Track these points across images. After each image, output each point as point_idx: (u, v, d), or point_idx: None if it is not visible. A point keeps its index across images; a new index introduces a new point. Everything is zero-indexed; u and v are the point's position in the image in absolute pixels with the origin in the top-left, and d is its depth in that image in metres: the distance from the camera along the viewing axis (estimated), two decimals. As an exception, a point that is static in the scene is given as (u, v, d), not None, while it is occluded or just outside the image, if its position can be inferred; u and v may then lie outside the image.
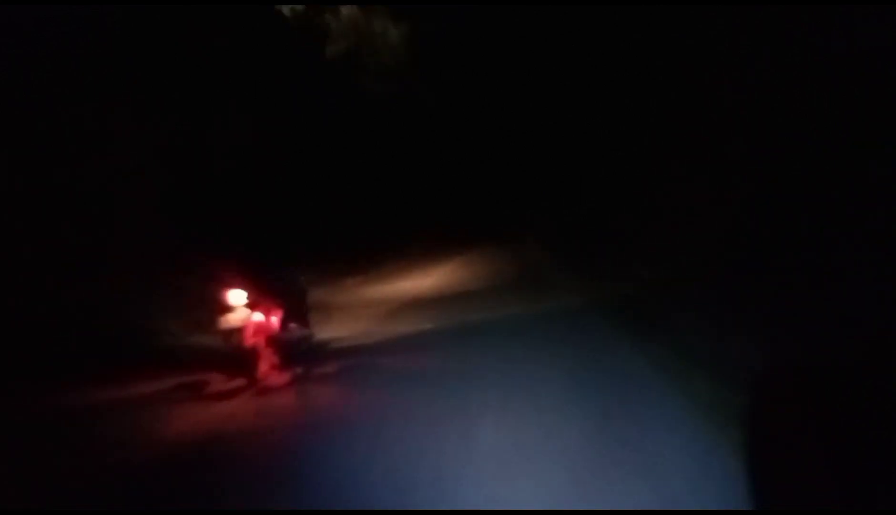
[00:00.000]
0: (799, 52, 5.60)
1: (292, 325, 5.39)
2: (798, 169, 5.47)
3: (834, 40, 5.14)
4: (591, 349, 5.09)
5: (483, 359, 5.06)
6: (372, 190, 12.76)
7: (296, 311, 5.44)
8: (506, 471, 3.07)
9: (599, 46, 10.33)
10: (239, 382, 4.83)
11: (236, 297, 4.70)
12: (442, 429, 3.59)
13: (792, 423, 3.22)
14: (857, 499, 2.66)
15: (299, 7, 13.24)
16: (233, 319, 4.70)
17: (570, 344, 5.30)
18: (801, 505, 2.77)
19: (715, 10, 6.99)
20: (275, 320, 5.08)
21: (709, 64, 7.42)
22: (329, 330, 6.44)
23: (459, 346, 5.62)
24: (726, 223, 6.52)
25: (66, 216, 6.62)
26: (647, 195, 8.94)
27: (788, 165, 5.72)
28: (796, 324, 4.39)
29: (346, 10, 14.21)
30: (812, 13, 5.34)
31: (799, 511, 2.77)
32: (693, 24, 7.59)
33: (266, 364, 4.96)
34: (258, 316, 4.84)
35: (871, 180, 4.58)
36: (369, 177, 12.97)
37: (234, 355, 4.81)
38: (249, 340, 4.74)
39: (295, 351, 5.31)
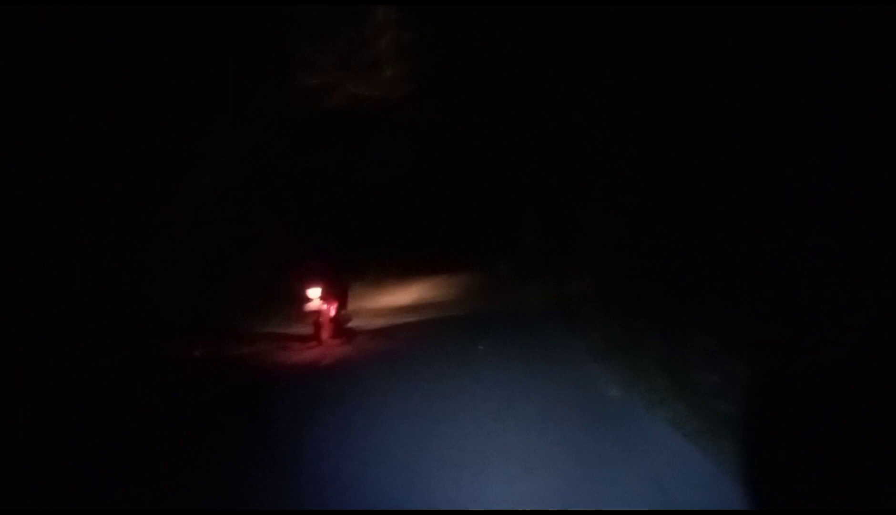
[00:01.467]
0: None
1: (342, 312, 9.11)
2: (798, 170, 5.55)
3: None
4: (537, 330, 8.49)
5: (458, 329, 8.79)
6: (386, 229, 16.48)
7: (343, 303, 9.17)
8: (470, 367, 6.57)
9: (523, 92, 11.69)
10: (313, 342, 8.50)
11: (314, 293, 8.40)
12: (429, 356, 7.29)
13: (791, 423, 3.24)
14: (857, 499, 2.66)
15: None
16: (312, 306, 8.40)
17: (523, 324, 8.81)
18: (801, 505, 2.75)
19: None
20: (332, 308, 8.78)
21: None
22: (359, 318, 10.18)
23: (442, 325, 9.36)
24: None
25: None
26: (579, 229, 12.46)
27: (788, 168, 5.77)
28: (796, 324, 4.52)
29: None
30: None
31: (799, 511, 2.74)
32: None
33: (327, 332, 8.63)
34: (325, 305, 8.54)
35: (871, 181, 4.67)
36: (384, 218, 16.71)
37: (304, 331, 8.55)
38: (320, 318, 8.45)
39: (342, 326, 9.02)
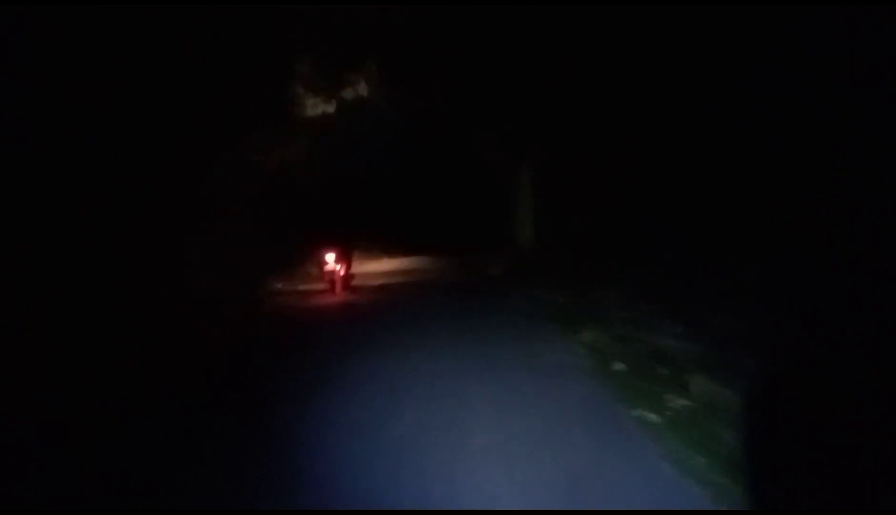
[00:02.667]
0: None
1: (349, 272, 12.73)
2: (797, 170, 5.54)
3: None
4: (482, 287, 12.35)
5: (430, 287, 12.46)
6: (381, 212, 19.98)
7: (350, 266, 12.80)
8: (433, 306, 10.34)
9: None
10: (328, 294, 12.08)
11: (330, 257, 11.96)
12: (406, 299, 10.94)
13: (791, 423, 3.29)
14: (857, 499, 2.73)
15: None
16: (328, 267, 11.98)
17: (477, 286, 12.64)
18: (800, 505, 2.81)
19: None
20: (343, 269, 12.36)
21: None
22: (360, 278, 13.77)
23: (419, 285, 13.02)
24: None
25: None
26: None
27: (788, 166, 5.79)
28: (796, 324, 4.60)
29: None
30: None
31: (799, 511, 2.80)
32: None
33: (339, 287, 12.22)
34: (337, 266, 12.11)
35: (870, 181, 4.62)
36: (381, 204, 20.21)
37: (321, 287, 12.16)
38: (334, 276, 12.05)
39: (349, 282, 12.64)
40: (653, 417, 4.44)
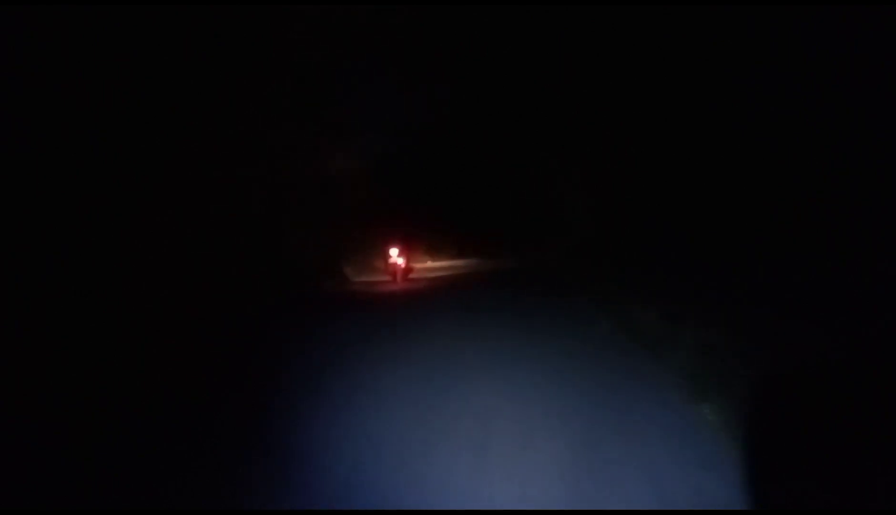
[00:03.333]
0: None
1: (408, 264, 14.67)
2: (797, 171, 5.50)
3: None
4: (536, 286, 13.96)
5: (488, 282, 14.25)
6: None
7: (409, 260, 14.74)
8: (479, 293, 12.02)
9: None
10: (392, 283, 14.00)
11: (394, 252, 13.93)
12: (456, 288, 12.74)
13: (791, 423, 3.25)
14: (856, 499, 2.70)
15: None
16: (392, 260, 13.95)
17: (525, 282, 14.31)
18: (800, 505, 2.78)
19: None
20: (403, 262, 14.29)
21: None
22: (417, 271, 15.67)
23: (465, 276, 14.83)
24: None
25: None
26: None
27: (790, 166, 5.78)
28: (796, 324, 4.63)
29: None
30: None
31: (799, 511, 2.77)
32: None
33: (400, 276, 14.15)
34: (399, 260, 14.05)
35: (870, 182, 4.65)
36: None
37: (383, 278, 14.13)
38: (396, 268, 13.99)
39: (408, 274, 14.56)
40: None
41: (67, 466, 3.92)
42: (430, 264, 19.01)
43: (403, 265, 14.28)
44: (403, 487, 3.39)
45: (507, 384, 4.97)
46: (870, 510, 2.69)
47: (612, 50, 11.28)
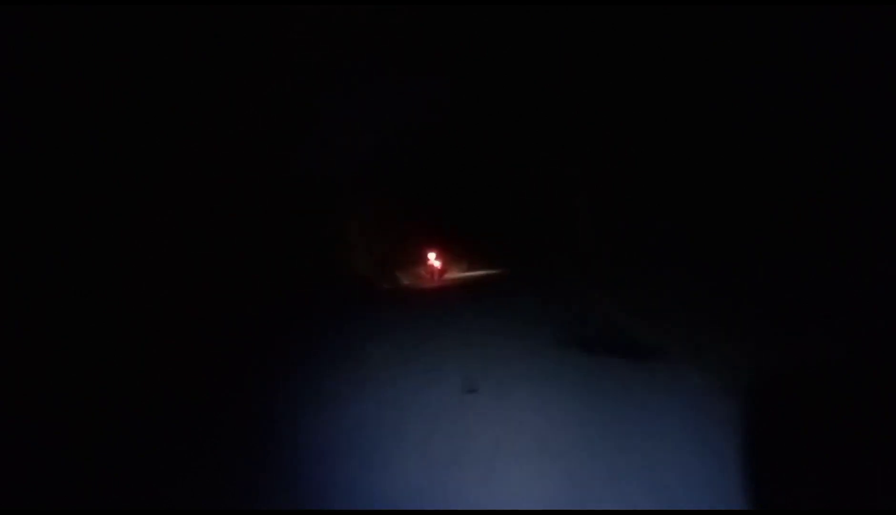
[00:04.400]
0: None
1: (444, 267, 17.76)
2: (797, 171, 5.63)
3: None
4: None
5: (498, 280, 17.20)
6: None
7: (444, 264, 17.83)
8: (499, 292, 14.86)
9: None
10: (430, 282, 17.06)
11: (431, 257, 17.07)
12: (483, 288, 15.68)
13: (791, 423, 3.27)
14: (856, 499, 2.73)
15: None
16: (430, 263, 17.09)
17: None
18: (800, 505, 2.81)
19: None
20: (440, 265, 17.37)
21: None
22: (450, 273, 18.69)
23: (491, 279, 17.80)
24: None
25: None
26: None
27: (787, 167, 5.87)
28: (796, 324, 4.70)
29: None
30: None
31: (799, 511, 2.81)
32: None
33: (437, 277, 17.22)
34: (437, 263, 17.16)
35: (870, 183, 4.74)
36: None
37: (425, 276, 17.23)
38: (434, 269, 17.07)
39: (443, 275, 17.63)
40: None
41: (69, 466, 3.93)
42: (460, 272, 22.13)
43: (440, 268, 17.34)
44: (404, 487, 3.49)
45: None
46: (870, 510, 2.66)
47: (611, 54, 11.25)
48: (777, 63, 6.58)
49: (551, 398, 4.81)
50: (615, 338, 6.74)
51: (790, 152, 6.11)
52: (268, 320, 9.12)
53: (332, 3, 10.97)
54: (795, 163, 5.99)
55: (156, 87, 8.32)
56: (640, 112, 10.68)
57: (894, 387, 3.09)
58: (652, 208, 9.96)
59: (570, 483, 3.39)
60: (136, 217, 8.16)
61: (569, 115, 14.13)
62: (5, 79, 6.61)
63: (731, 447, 3.32)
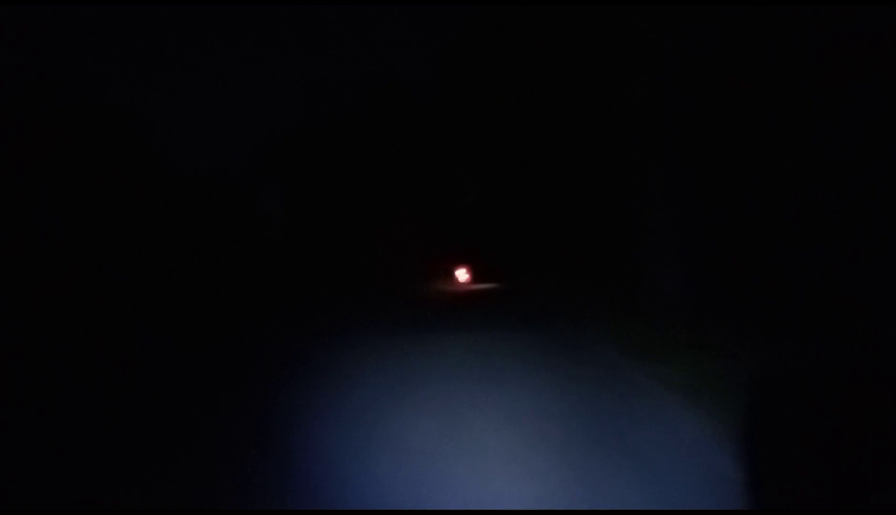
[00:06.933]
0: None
1: (469, 280, 22.11)
2: (801, 171, 5.55)
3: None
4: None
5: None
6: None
7: (471, 276, 22.21)
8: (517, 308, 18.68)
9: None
10: (459, 292, 21.24)
11: (462, 271, 21.38)
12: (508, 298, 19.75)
13: (792, 423, 3.23)
14: (856, 499, 2.70)
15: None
16: (459, 277, 21.42)
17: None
18: (800, 505, 2.81)
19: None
20: (468, 278, 21.69)
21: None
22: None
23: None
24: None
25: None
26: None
27: (787, 167, 5.84)
28: (796, 325, 4.67)
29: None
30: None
31: (799, 511, 2.80)
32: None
33: (464, 289, 21.49)
34: (465, 276, 21.49)
35: (870, 184, 4.68)
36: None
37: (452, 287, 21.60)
38: (461, 282, 21.41)
39: (468, 287, 21.92)
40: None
41: (69, 466, 3.97)
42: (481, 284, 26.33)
43: (467, 279, 21.64)
44: (405, 486, 3.56)
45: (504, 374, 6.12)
46: (870, 510, 2.66)
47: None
48: (777, 63, 6.54)
49: (547, 394, 5.06)
50: (612, 337, 7.26)
51: (790, 152, 6.11)
52: (273, 321, 10.05)
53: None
54: (795, 163, 5.99)
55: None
56: (648, 113, 10.18)
57: (894, 387, 3.05)
58: (652, 207, 9.82)
59: (565, 481, 3.47)
60: (137, 217, 8.21)
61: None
62: None
63: (731, 447, 3.45)
